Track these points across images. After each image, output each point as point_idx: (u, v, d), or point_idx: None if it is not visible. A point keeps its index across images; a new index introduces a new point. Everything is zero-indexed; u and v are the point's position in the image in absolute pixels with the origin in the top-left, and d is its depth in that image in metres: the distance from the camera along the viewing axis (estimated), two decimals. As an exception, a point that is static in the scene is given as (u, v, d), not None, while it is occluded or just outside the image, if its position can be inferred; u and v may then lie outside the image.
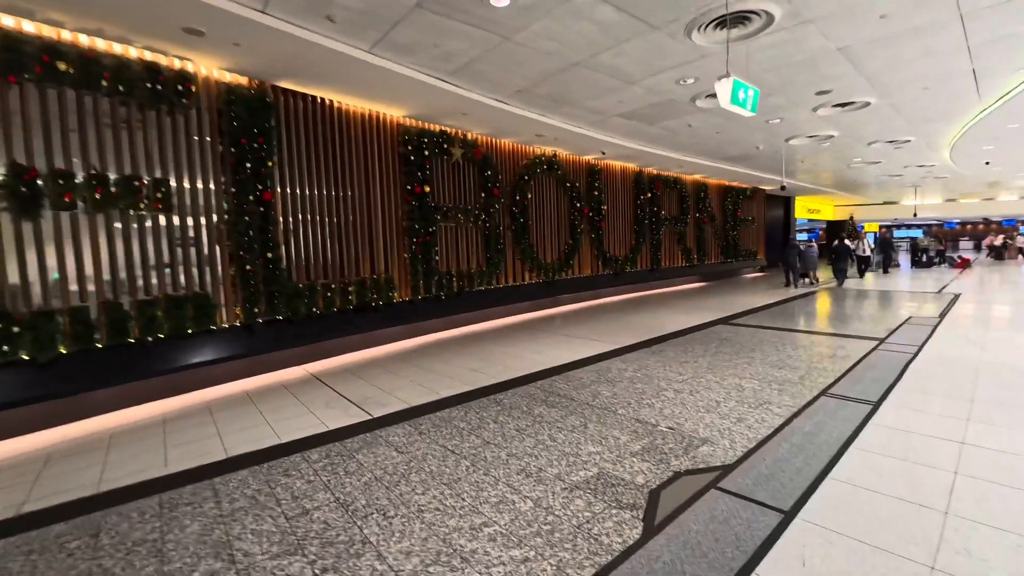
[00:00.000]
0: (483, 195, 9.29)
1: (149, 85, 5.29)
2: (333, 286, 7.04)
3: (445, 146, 8.52)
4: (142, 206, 5.26)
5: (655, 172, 13.89)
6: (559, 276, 11.09)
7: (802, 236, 30.57)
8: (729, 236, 17.27)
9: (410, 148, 7.96)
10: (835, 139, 11.06)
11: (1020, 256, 26.32)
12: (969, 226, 47.04)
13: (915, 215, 25.59)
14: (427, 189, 8.17)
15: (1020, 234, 34.42)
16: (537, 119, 8.19)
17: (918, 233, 42.60)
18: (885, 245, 19.70)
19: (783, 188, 12.79)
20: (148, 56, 5.32)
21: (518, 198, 9.94)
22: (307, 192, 6.78)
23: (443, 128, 8.53)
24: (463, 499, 3.04)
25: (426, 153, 8.15)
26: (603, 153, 11.07)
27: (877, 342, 6.78)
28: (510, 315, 10.25)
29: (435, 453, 3.73)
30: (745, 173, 15.05)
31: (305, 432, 4.27)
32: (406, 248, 8.05)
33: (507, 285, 9.94)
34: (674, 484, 3.10)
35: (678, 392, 4.91)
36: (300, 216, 6.70)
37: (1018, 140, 11.64)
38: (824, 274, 16.65)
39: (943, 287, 13.36)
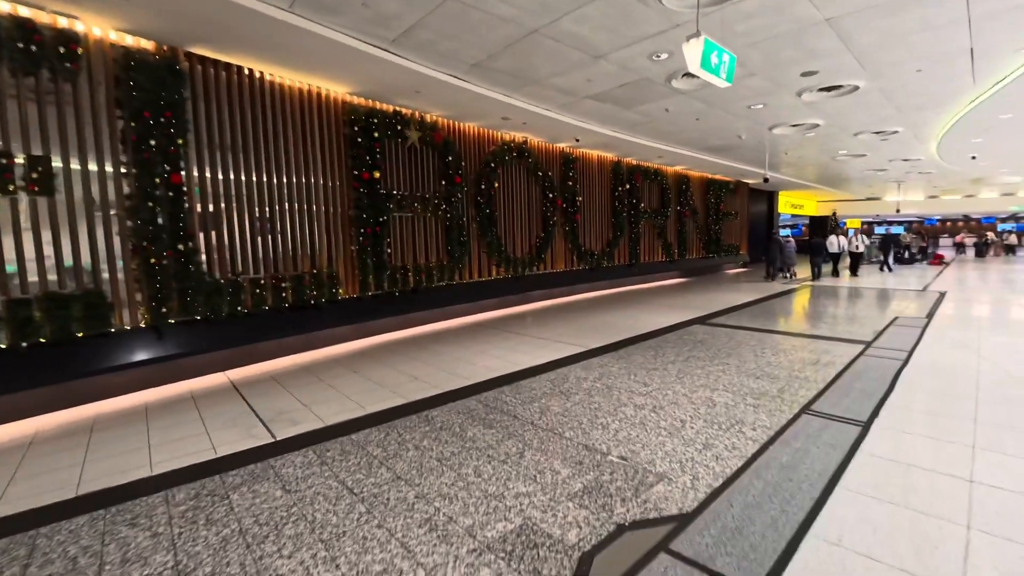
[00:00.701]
0: (444, 183, 8.50)
1: (22, 45, 4.43)
2: (263, 282, 6.23)
3: (399, 128, 7.71)
4: (13, 187, 4.41)
5: (634, 163, 13.18)
6: (530, 271, 10.36)
7: (784, 232, 30.21)
8: (711, 230, 16.67)
9: (357, 129, 7.14)
10: (820, 129, 10.42)
11: (1003, 253, 26.18)
12: (949, 223, 47.21)
13: (898, 211, 25.22)
14: (377, 175, 7.36)
15: (1012, 232, 34.45)
16: (500, 99, 7.41)
17: (899, 230, 42.66)
18: (887, 243, 18.58)
19: (766, 180, 12.18)
20: (24, 12, 4.46)
21: (483, 187, 9.16)
22: (231, 176, 5.95)
23: (397, 109, 7.71)
24: (336, 567, 2.30)
25: (376, 135, 7.33)
26: (577, 140, 10.32)
27: (863, 346, 6.15)
28: (475, 313, 9.50)
29: (329, 492, 2.98)
30: (728, 165, 14.41)
31: (186, 460, 3.49)
32: (353, 240, 7.25)
33: (472, 281, 9.19)
34: (614, 544, 2.39)
35: (639, 408, 4.21)
36: (222, 203, 5.87)
37: (1007, 132, 11.11)
38: (804, 271, 16.17)
39: (927, 285, 12.86)
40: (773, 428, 3.70)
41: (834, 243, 15.87)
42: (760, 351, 6.03)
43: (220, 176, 5.84)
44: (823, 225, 31.87)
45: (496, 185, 9.42)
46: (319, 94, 6.84)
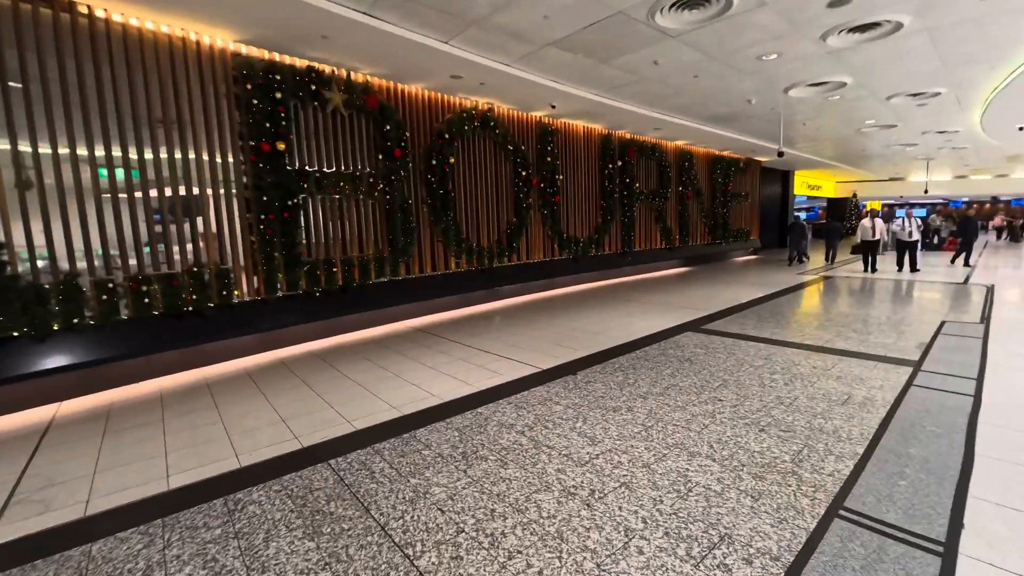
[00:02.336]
0: (381, 157, 6.86)
1: None
2: (113, 285, 4.71)
3: (314, 88, 6.07)
4: None
5: (627, 136, 11.37)
6: (500, 263, 8.73)
7: (799, 215, 28.01)
8: (718, 214, 14.80)
9: (250, 88, 5.52)
10: (846, 91, 8.52)
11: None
12: (975, 205, 44.10)
13: (926, 192, 22.92)
14: (282, 147, 5.75)
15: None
16: (437, 47, 5.72)
17: (920, 213, 39.81)
18: (969, 226, 12.94)
19: (781, 155, 10.32)
20: None
21: (435, 163, 7.50)
22: (56, 149, 4.39)
23: (311, 65, 6.06)
24: None
25: (279, 96, 5.70)
26: (553, 107, 8.57)
27: (910, 369, 4.45)
28: (427, 314, 7.93)
29: None
30: (736, 139, 12.50)
31: None
32: (253, 228, 5.69)
33: (423, 275, 7.59)
34: None
35: (568, 496, 2.61)
36: (37, 183, 4.33)
37: (1076, 93, 9.09)
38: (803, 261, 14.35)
39: (967, 276, 10.94)
40: (782, 556, 2.07)
41: (868, 228, 11.89)
42: (768, 377, 4.36)
43: (39, 149, 4.30)
44: (841, 208, 29.64)
45: (452, 160, 7.75)
46: (197, 43, 5.23)
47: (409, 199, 7.22)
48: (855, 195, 30.23)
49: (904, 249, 11.89)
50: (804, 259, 14.63)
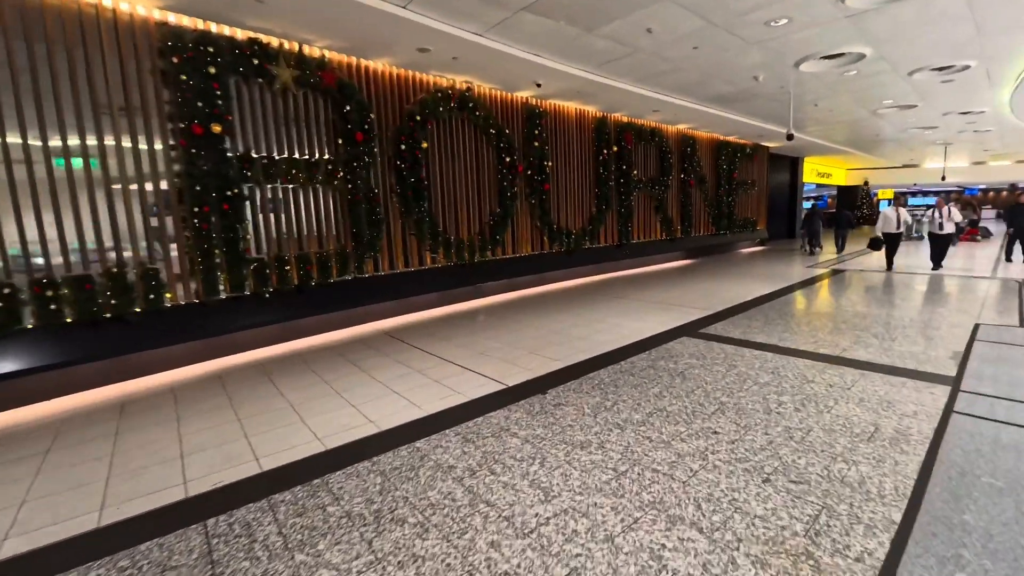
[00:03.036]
0: (341, 142, 6.10)
1: None
2: (12, 290, 4.02)
3: (257, 63, 5.31)
4: None
5: (624, 119, 10.49)
6: (482, 257, 7.97)
7: (807, 205, 26.88)
8: (723, 203, 13.90)
9: (177, 61, 4.77)
10: (864, 64, 7.61)
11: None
12: (992, 193, 42.46)
13: (943, 178, 21.75)
14: (218, 129, 5.01)
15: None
16: (391, 11, 4.92)
17: (930, 202, 38.26)
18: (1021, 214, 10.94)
19: (790, 138, 9.42)
20: None
21: (404, 148, 6.73)
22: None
23: (252, 36, 5.29)
24: None
25: (212, 72, 4.94)
26: (539, 85, 7.74)
27: (947, 388, 3.66)
28: (401, 313, 7.21)
29: None
30: (742, 122, 11.57)
31: None
32: (187, 223, 4.97)
33: (394, 272, 6.86)
34: None
35: (495, 591, 1.88)
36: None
37: (1124, 64, 8.10)
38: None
39: (994, 269, 10.02)
40: None
41: (892, 218, 10.13)
42: (775, 399, 3.59)
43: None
44: (852, 196, 28.46)
45: (425, 145, 6.97)
46: (114, 10, 4.49)
47: (376, 188, 6.47)
48: (866, 183, 29.03)
49: (938, 244, 10.01)
50: (819, 248, 14.48)
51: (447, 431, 3.26)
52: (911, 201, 38.99)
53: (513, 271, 8.59)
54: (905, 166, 27.06)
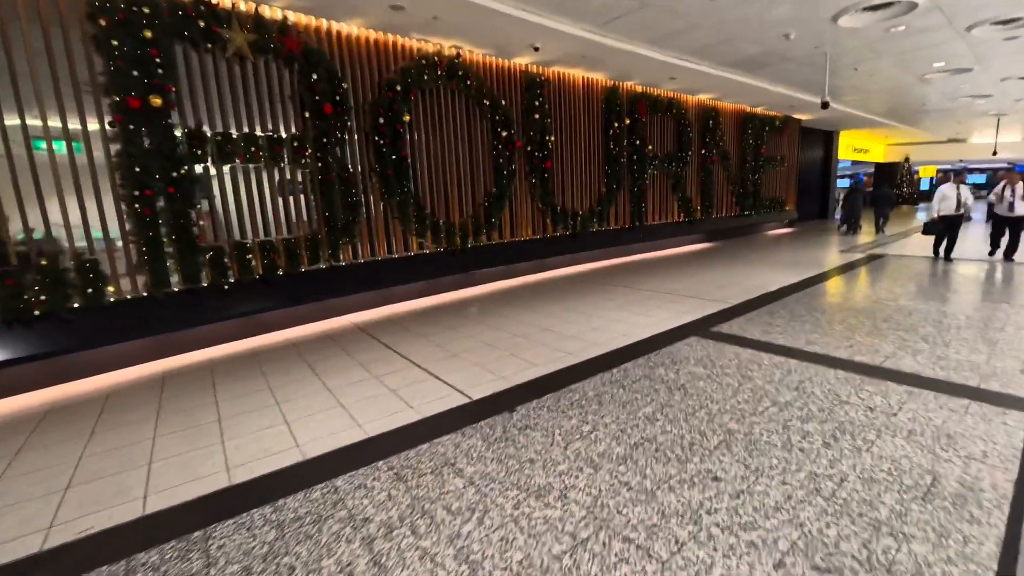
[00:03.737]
0: (309, 116, 5.43)
1: None
2: (-90, 284, 3.53)
3: (204, 25, 4.64)
4: None
5: (638, 89, 9.51)
6: (475, 242, 7.27)
7: (841, 183, 25.10)
8: (748, 181, 12.78)
9: (107, 25, 4.14)
10: (915, 17, 6.50)
11: None
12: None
13: (995, 153, 19.86)
14: (157, 102, 4.39)
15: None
16: (349, -42, 4.17)
17: (979, 180, 35.39)
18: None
19: (825, 105, 8.32)
20: None
21: (383, 122, 6.02)
22: None
23: (199, -9, 4.62)
24: None
25: (148, 36, 4.31)
26: (536, 49, 6.87)
27: (1024, 414, 2.83)
28: (383, 304, 6.59)
29: None
30: (771, 91, 10.43)
31: None
32: (127, 207, 4.41)
33: (375, 259, 6.24)
34: None
35: None
36: None
37: None
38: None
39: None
40: None
41: (951, 197, 8.34)
42: (798, 427, 2.83)
43: None
44: (891, 173, 26.49)
45: (407, 118, 6.24)
46: (25, -43, 3.87)
47: (351, 167, 5.81)
48: (907, 159, 26.96)
49: (1012, 228, 8.10)
50: (858, 228, 13.62)
51: (380, 463, 2.63)
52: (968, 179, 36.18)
53: (511, 257, 7.87)
54: (951, 140, 24.90)
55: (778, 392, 3.27)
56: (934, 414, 2.89)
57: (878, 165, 26.50)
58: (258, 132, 5.16)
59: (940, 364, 3.67)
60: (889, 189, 16.05)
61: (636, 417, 3.01)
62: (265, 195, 5.25)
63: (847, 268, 8.14)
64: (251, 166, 5.14)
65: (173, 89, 4.51)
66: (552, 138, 8.02)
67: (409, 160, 6.33)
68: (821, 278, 7.31)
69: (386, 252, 6.37)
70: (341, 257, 5.86)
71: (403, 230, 6.47)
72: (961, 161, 29.35)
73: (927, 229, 8.74)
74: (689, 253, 10.88)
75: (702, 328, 4.86)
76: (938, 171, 34.29)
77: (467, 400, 3.40)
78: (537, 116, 7.72)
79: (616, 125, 9.09)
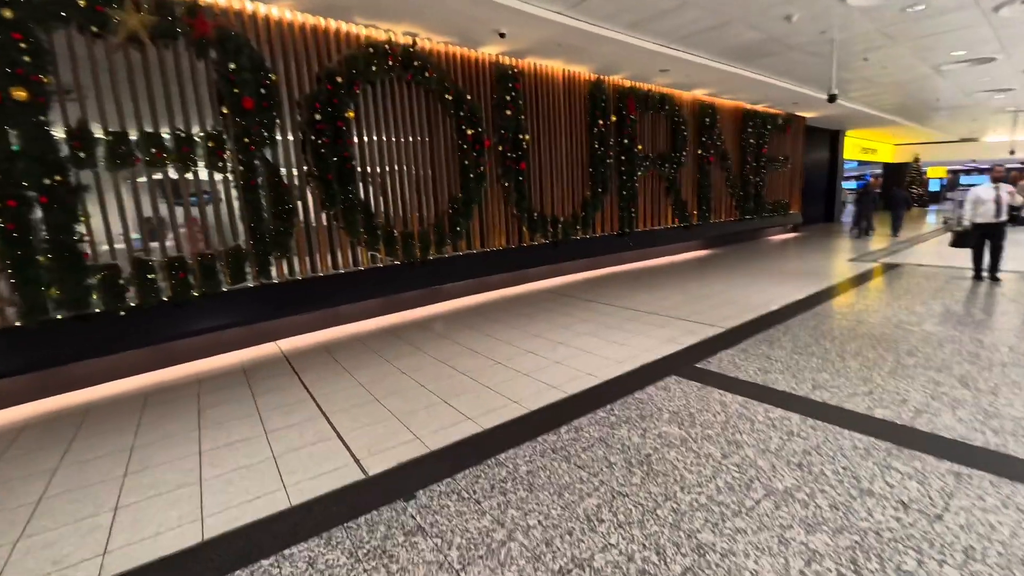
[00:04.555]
0: (227, 112, 4.61)
1: None
2: None
3: (86, 5, 3.84)
4: None
5: (626, 84, 8.63)
6: (438, 253, 6.42)
7: (847, 185, 23.96)
8: (749, 183, 11.83)
9: (-60, -9, 3.35)
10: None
11: None
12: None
13: (1012, 152, 18.70)
14: (21, 95, 3.59)
15: None
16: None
17: (982, 180, 33.90)
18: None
19: (832, 98, 7.41)
20: None
21: (321, 118, 5.18)
22: None
23: (74, -41, 3.81)
24: None
25: (9, 17, 3.51)
26: (502, 35, 6.01)
27: None
28: (328, 325, 5.75)
29: None
30: (773, 85, 9.50)
31: None
32: (-17, 220, 3.61)
33: (315, 276, 5.40)
34: None
35: None
36: None
37: None
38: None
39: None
40: None
41: (988, 201, 6.50)
42: (802, 539, 1.96)
43: None
44: (900, 174, 25.29)
45: (350, 115, 5.41)
46: None
47: (278, 172, 4.98)
48: (917, 159, 25.75)
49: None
50: (871, 231, 13.10)
51: (187, 602, 1.78)
52: (962, 180, 34.71)
53: (482, 269, 7.01)
54: (963, 140, 23.68)
55: (774, 472, 2.38)
56: (995, 515, 1.99)
57: (886, 166, 25.33)
58: (166, 131, 4.35)
59: (989, 424, 2.76)
60: (903, 190, 15.15)
61: (573, 515, 2.13)
62: (172, 204, 4.43)
63: (859, 280, 7.19)
64: (154, 170, 4.32)
65: (45, 80, 3.70)
66: (527, 137, 7.15)
67: (354, 162, 5.50)
68: (830, 293, 6.38)
69: (330, 267, 5.54)
70: (273, 273, 5.03)
71: (352, 241, 5.64)
72: (973, 161, 28.06)
73: (957, 240, 7.12)
74: (685, 261, 9.95)
75: (686, 363, 3.97)
76: (948, 171, 32.97)
77: (360, 476, 2.54)
78: (510, 112, 6.86)
79: (602, 122, 8.21)
